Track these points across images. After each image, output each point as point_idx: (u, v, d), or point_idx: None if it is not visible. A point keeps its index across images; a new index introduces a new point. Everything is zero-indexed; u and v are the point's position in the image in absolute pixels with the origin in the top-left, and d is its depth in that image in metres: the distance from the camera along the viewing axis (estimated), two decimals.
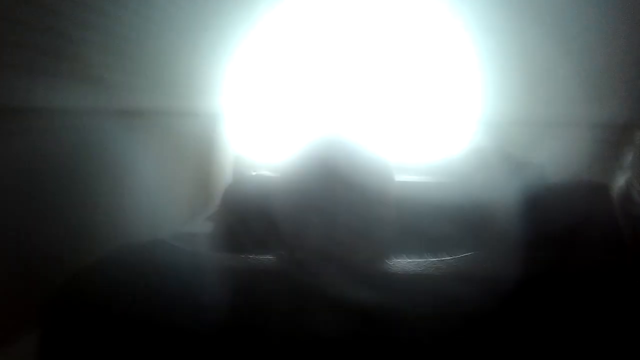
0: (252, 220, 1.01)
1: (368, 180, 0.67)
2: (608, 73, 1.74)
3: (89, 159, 1.22)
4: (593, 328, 0.50)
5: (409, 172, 1.67)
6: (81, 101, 1.10)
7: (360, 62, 2.30)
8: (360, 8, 2.07)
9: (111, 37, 1.21)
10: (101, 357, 0.49)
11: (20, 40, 0.86)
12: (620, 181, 1.08)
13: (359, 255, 0.69)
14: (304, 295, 0.51)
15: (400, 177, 1.19)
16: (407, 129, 2.33)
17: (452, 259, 0.60)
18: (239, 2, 1.77)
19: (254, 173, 1.22)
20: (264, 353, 0.49)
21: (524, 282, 0.51)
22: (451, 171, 1.52)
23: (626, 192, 1.11)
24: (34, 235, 0.95)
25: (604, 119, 1.76)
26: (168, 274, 0.51)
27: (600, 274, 0.59)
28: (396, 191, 0.73)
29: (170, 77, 1.61)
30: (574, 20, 1.66)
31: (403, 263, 0.59)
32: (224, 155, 2.06)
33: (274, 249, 0.74)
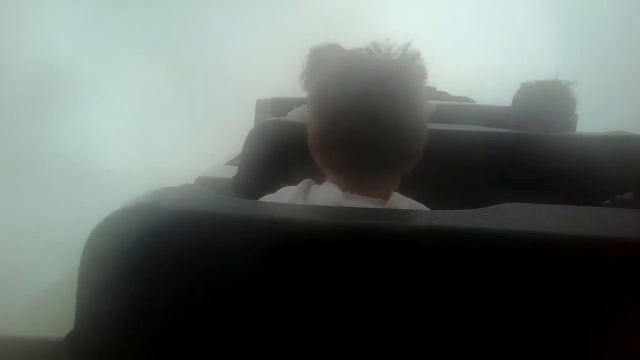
0: (275, 163, 1.02)
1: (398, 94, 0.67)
2: None
3: None
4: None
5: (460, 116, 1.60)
6: None
7: None
8: None
9: None
10: (135, 298, 0.51)
11: None
12: None
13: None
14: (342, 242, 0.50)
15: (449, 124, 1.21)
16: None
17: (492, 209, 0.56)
18: None
19: (274, 118, 1.22)
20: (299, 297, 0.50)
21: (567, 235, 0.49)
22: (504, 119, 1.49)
23: None
24: None
25: None
26: (202, 218, 0.51)
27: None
28: (428, 109, 0.73)
29: None
30: None
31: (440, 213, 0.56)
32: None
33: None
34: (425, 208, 0.74)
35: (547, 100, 1.36)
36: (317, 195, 0.71)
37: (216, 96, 3.09)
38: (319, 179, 0.76)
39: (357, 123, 0.66)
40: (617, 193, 0.99)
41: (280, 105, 1.79)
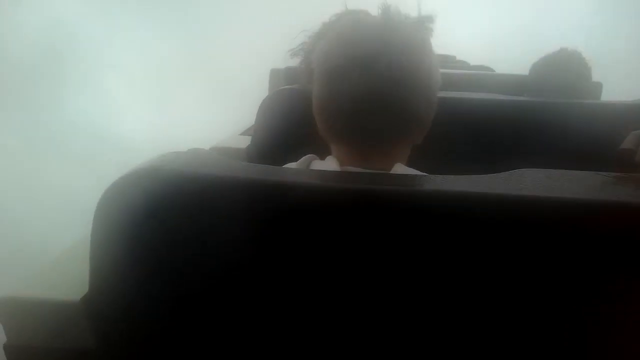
0: (288, 132, 1.00)
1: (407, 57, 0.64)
2: None
3: None
4: None
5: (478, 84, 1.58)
6: None
7: None
8: None
9: None
10: (144, 260, 0.52)
11: None
12: None
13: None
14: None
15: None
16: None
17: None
18: None
19: (287, 86, 1.19)
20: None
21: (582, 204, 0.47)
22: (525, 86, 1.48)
23: None
24: None
25: None
26: (209, 180, 0.52)
27: None
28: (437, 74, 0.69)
29: None
30: None
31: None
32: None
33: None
34: None
35: (561, 70, 1.38)
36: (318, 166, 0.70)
37: (232, 64, 3.08)
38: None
39: (360, 88, 0.63)
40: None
41: (294, 75, 1.83)
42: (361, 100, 0.64)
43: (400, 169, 0.68)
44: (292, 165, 0.74)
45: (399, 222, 0.48)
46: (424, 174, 0.67)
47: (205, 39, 3.32)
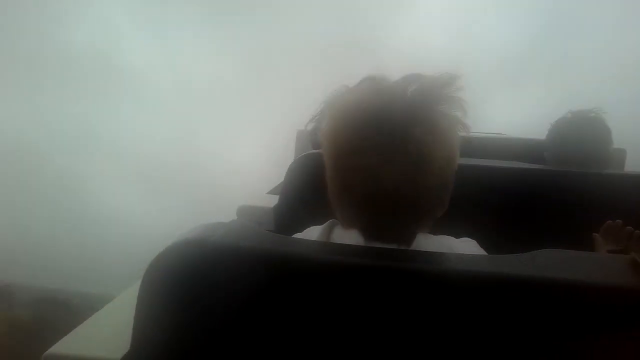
0: (314, 195, 1.06)
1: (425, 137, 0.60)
2: None
3: None
4: None
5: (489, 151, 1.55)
6: None
7: None
8: None
9: None
10: (186, 325, 0.56)
11: None
12: None
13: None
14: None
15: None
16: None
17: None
18: None
19: (315, 151, 1.24)
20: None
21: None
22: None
23: None
24: None
25: None
26: (246, 254, 0.57)
27: None
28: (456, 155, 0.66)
29: None
30: None
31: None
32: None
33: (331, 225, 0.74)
34: (458, 244, 0.72)
35: (580, 135, 1.33)
36: (340, 240, 0.70)
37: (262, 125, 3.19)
38: None
39: (375, 185, 0.61)
40: None
41: (319, 136, 1.89)
42: (373, 201, 0.62)
43: (422, 241, 0.68)
44: (316, 229, 0.76)
45: (421, 300, 0.51)
46: (444, 249, 0.67)
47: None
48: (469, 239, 0.76)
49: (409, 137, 0.59)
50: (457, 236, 0.75)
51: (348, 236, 0.69)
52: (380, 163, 0.60)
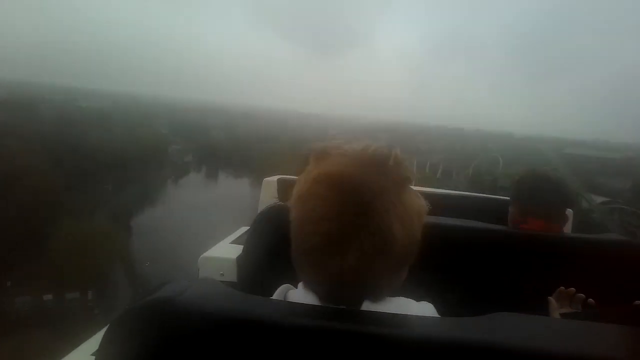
0: (278, 249, 1.02)
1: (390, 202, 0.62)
2: None
3: None
4: None
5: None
6: None
7: None
8: None
9: None
10: None
11: None
12: None
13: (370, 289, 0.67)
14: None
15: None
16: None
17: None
18: None
19: (281, 204, 1.27)
20: None
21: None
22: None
23: None
24: None
25: None
26: (211, 317, 0.57)
27: None
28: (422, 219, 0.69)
29: None
30: None
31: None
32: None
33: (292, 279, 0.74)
34: (416, 308, 0.74)
35: (547, 193, 1.38)
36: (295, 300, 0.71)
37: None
38: None
39: (330, 256, 0.63)
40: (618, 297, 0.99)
41: (285, 185, 1.85)
42: (330, 272, 0.64)
43: (380, 304, 0.68)
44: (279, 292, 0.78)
45: None
46: (400, 312, 0.67)
47: None
48: (427, 303, 0.77)
49: (372, 215, 0.61)
50: (415, 295, 0.76)
51: (304, 299, 0.70)
52: (341, 239, 0.61)
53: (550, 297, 1.04)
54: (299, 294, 0.71)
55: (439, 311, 0.76)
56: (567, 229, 1.64)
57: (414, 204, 0.66)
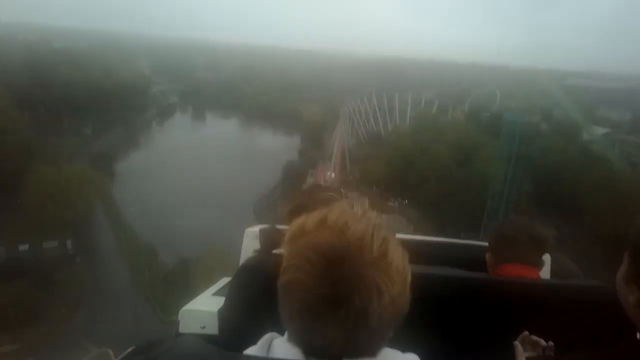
0: (260, 302, 1.00)
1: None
2: None
3: None
4: None
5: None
6: None
7: None
8: None
9: None
10: None
11: None
12: None
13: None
14: None
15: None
16: None
17: None
18: None
19: (260, 256, 1.30)
20: None
21: None
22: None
23: None
24: None
25: None
26: None
27: None
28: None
29: None
30: None
31: None
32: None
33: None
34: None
35: (522, 243, 1.45)
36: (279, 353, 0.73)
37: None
38: None
39: (313, 325, 0.65)
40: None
41: (267, 235, 1.74)
42: (312, 342, 0.67)
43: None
44: (254, 349, 0.77)
45: None
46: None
47: None
48: (413, 354, 0.78)
49: (352, 292, 0.64)
50: (398, 344, 0.76)
51: (288, 352, 0.71)
52: (325, 310, 0.64)
53: (516, 342, 1.09)
54: (284, 347, 0.73)
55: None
56: (545, 273, 1.66)
57: (398, 269, 0.68)
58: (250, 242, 1.96)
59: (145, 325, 15.70)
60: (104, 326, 15.81)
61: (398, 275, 0.67)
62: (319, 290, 0.63)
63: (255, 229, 2.00)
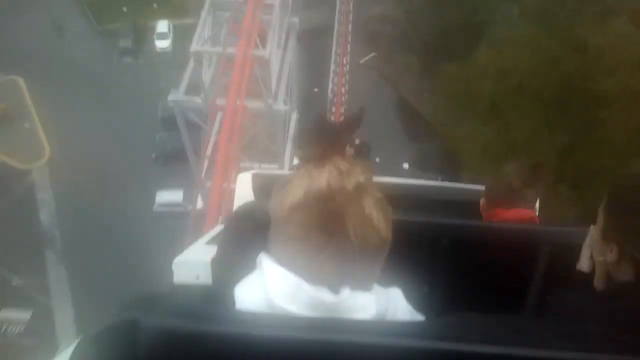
0: (253, 247, 1.02)
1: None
2: None
3: None
4: None
5: None
6: None
7: None
8: None
9: None
10: None
11: None
12: None
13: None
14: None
15: None
16: None
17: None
18: None
19: (253, 202, 1.27)
20: None
21: None
22: None
23: None
24: None
25: None
26: (183, 338, 0.56)
27: None
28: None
29: None
30: None
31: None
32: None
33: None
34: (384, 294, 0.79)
35: (516, 188, 1.54)
36: (275, 286, 0.74)
37: None
38: None
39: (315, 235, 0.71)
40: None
41: (260, 181, 1.92)
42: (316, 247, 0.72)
43: (352, 294, 0.74)
44: (250, 281, 0.80)
45: None
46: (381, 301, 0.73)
47: None
48: (396, 289, 0.82)
49: (344, 222, 0.71)
50: (386, 278, 0.80)
51: (283, 280, 0.74)
52: (323, 241, 0.71)
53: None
54: (279, 272, 0.74)
55: (408, 299, 0.82)
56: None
57: (377, 205, 0.74)
58: (242, 188, 1.95)
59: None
60: None
61: (385, 212, 0.75)
62: (318, 222, 0.70)
63: (248, 174, 2.01)
